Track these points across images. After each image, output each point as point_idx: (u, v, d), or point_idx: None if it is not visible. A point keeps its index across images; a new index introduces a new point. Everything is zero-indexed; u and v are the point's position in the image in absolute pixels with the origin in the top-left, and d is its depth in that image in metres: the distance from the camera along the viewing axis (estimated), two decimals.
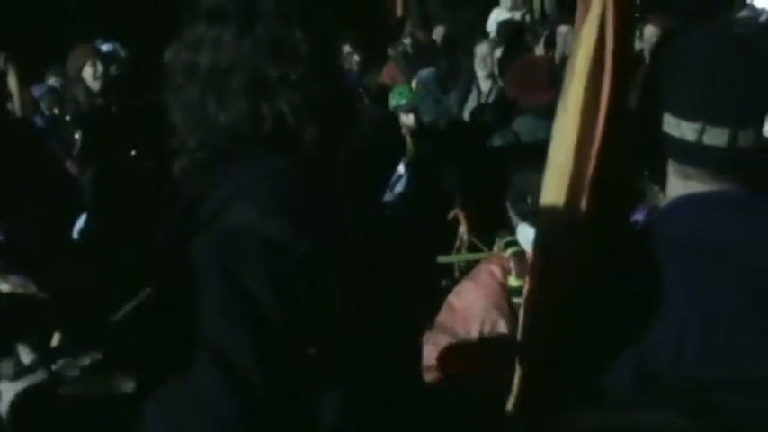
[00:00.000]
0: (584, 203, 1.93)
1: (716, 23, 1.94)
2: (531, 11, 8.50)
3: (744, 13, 6.73)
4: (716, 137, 1.73)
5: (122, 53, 6.64)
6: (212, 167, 1.72)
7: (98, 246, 3.71)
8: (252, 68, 1.68)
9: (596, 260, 1.88)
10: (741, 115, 1.71)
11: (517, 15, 8.17)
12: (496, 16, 8.15)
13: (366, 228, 1.85)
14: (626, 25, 1.91)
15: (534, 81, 5.55)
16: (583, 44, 1.88)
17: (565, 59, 6.25)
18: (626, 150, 1.96)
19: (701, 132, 1.73)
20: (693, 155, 1.77)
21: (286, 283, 1.59)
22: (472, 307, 2.97)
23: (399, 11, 8.07)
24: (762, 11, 6.60)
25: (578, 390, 1.74)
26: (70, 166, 4.71)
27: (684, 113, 1.75)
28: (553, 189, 1.97)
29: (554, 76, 5.57)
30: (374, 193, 3.17)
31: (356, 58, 7.01)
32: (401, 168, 5.04)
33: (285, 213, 1.64)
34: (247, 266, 1.58)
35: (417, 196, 4.86)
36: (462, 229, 4.61)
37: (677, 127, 1.76)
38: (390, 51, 7.37)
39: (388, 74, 7.00)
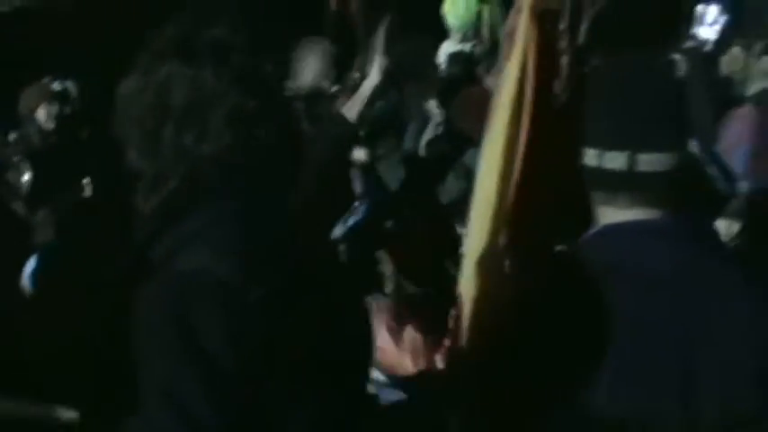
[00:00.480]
0: (509, 233, 1.99)
1: (642, 55, 2.01)
2: (481, 42, 8.58)
3: (688, 44, 6.85)
4: (613, 160, 1.80)
5: (74, 91, 6.63)
6: (170, 209, 1.71)
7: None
8: (232, 102, 1.69)
9: (525, 286, 1.92)
10: (642, 139, 1.78)
11: (467, 47, 8.25)
12: (446, 48, 8.23)
13: (317, 267, 1.86)
14: (547, 62, 1.98)
15: (482, 112, 5.56)
16: (507, 79, 1.95)
17: None
18: (552, 180, 2.01)
19: (600, 157, 1.81)
20: (596, 179, 1.85)
21: (239, 327, 1.59)
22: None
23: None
24: (705, 41, 6.72)
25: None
26: (18, 207, 4.68)
27: (589, 140, 1.83)
28: (480, 220, 2.02)
29: None
30: (324, 228, 3.19)
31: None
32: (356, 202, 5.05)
33: (238, 256, 1.64)
34: (200, 310, 1.57)
35: (369, 229, 4.89)
36: (388, 268, 4.60)
37: (589, 154, 1.84)
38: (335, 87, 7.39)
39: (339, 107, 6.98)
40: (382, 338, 3.27)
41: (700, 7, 7.32)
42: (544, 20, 1.93)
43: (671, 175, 1.80)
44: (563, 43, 1.96)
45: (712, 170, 4.11)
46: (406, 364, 3.29)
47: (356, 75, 7.81)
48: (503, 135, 1.96)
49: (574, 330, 1.83)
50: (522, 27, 1.93)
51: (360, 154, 5.40)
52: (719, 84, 7.87)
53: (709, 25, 6.86)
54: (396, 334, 3.31)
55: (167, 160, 1.71)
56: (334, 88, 5.76)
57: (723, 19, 7.03)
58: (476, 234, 2.03)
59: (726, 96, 7.96)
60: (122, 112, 1.75)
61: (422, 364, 3.29)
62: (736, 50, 9.18)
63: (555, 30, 1.97)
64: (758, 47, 8.50)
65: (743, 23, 15.08)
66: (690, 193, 1.91)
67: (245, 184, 1.72)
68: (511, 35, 1.97)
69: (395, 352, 3.30)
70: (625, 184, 1.82)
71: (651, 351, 1.80)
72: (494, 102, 2.01)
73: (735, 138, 4.63)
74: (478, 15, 8.67)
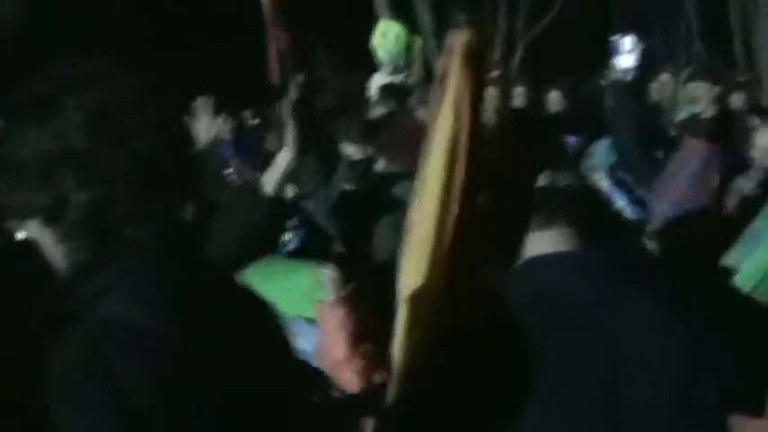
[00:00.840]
0: (445, 275, 1.96)
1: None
2: (412, 73, 8.61)
3: (610, 75, 6.97)
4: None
5: None
6: (81, 262, 1.67)
7: None
8: (119, 149, 1.64)
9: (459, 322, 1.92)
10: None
11: (398, 79, 8.27)
12: (377, 81, 8.23)
13: (240, 304, 1.82)
14: (480, 104, 1.97)
15: (414, 144, 5.55)
16: (442, 123, 1.93)
17: None
18: (486, 222, 2.01)
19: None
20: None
21: (160, 375, 1.55)
22: None
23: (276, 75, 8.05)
24: (626, 70, 6.84)
25: None
26: None
27: None
28: (415, 261, 1.99)
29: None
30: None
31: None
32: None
33: (155, 303, 1.61)
34: (121, 362, 1.53)
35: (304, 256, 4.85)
36: None
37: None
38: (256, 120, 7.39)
39: (270, 144, 6.98)
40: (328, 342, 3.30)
41: (616, 38, 7.53)
42: (476, 61, 1.93)
43: (568, 193, 1.92)
44: (495, 81, 1.97)
45: (620, 196, 4.15)
46: (347, 376, 3.30)
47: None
48: (439, 180, 1.95)
49: (503, 363, 1.86)
50: (454, 69, 1.92)
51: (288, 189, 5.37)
52: (647, 111, 8.00)
53: (626, 54, 7.02)
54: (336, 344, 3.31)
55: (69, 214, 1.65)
56: (256, 121, 5.81)
57: (639, 48, 7.21)
58: (411, 276, 2.02)
59: (655, 123, 8.10)
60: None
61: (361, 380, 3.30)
62: (665, 77, 9.36)
63: (486, 70, 2.00)
64: (685, 74, 8.67)
65: (673, 51, 15.43)
66: (594, 216, 2.02)
67: (153, 231, 1.67)
68: (443, 78, 1.95)
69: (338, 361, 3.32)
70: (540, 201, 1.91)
71: (574, 381, 1.87)
72: (428, 143, 1.99)
73: (680, 166, 4.66)
74: (409, 47, 8.71)
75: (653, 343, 1.86)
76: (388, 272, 2.99)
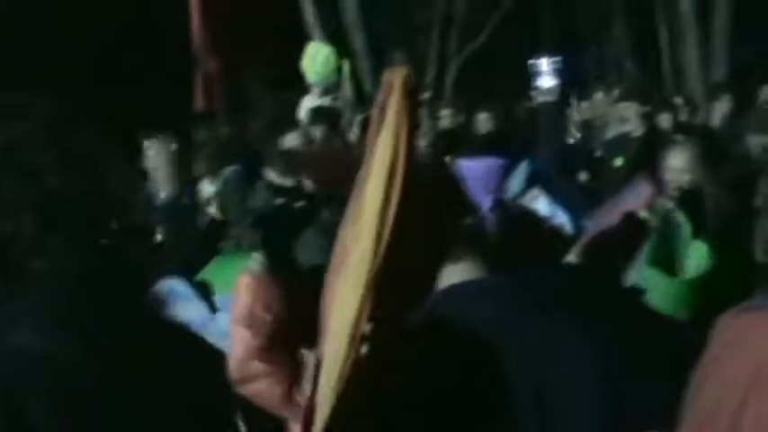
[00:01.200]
0: (378, 299, 2.02)
1: None
2: (342, 96, 8.58)
3: (534, 96, 7.07)
4: None
5: None
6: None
7: None
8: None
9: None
10: None
11: (327, 101, 8.23)
12: (307, 103, 8.19)
13: (152, 340, 1.78)
14: (414, 138, 2.09)
15: (340, 170, 5.53)
16: (380, 154, 2.04)
17: None
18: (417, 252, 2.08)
19: None
20: None
21: (73, 406, 1.53)
22: None
23: (202, 102, 7.98)
24: (549, 89, 6.94)
25: None
26: None
27: None
28: (350, 287, 2.05)
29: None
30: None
31: None
32: None
33: (72, 333, 1.59)
34: (31, 389, 1.51)
35: None
36: None
37: None
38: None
39: (197, 170, 6.90)
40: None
41: (535, 60, 7.66)
42: (413, 97, 2.08)
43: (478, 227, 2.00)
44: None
45: (558, 214, 4.17)
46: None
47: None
48: (378, 204, 2.05)
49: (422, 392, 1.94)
50: (393, 103, 2.06)
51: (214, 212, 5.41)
52: (578, 129, 8.09)
53: (546, 75, 7.16)
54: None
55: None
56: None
57: (560, 68, 7.35)
58: (345, 301, 2.09)
59: (587, 141, 8.18)
60: None
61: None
62: (598, 96, 9.49)
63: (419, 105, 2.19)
64: (616, 93, 8.79)
65: (604, 70, 15.68)
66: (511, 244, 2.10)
67: (59, 265, 1.66)
68: (382, 110, 2.08)
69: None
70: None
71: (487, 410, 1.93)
72: (364, 168, 2.11)
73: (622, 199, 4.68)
74: (339, 69, 8.69)
75: (559, 368, 1.90)
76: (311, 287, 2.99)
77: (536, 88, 7.19)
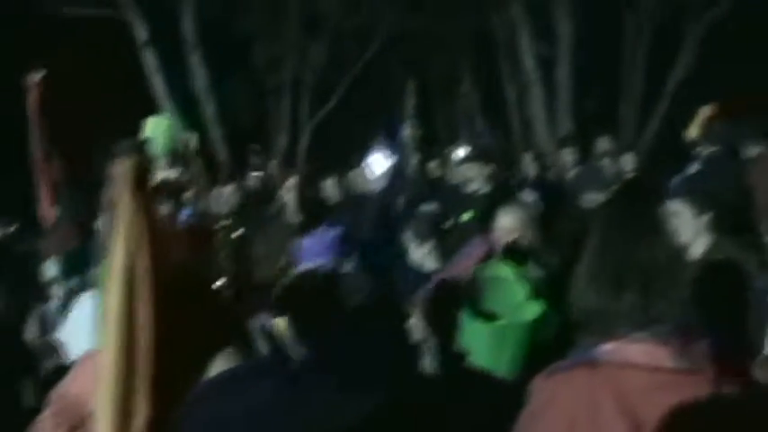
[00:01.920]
0: (141, 401, 1.99)
1: None
2: (188, 169, 8.42)
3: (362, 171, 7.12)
4: None
5: None
6: None
7: None
8: None
9: None
10: None
11: (173, 174, 8.06)
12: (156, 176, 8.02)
13: None
14: (154, 226, 2.03)
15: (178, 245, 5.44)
16: (116, 254, 1.97)
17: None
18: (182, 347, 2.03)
19: None
20: None
21: None
22: None
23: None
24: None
25: None
26: None
27: None
28: (109, 391, 1.99)
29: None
30: None
31: None
32: None
33: None
34: None
35: None
36: None
37: None
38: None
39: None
40: None
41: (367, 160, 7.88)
42: (142, 183, 2.00)
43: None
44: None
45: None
46: None
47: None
48: (119, 312, 1.99)
49: None
50: (121, 196, 1.98)
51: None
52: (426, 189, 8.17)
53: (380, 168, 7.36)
54: None
55: None
56: None
57: (390, 161, 7.56)
58: (106, 406, 2.04)
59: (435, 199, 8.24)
60: None
61: None
62: (446, 155, 9.65)
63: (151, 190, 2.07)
64: (456, 158, 8.98)
65: (454, 128, 15.84)
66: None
67: None
68: (114, 205, 2.01)
69: None
70: None
71: None
72: (105, 271, 2.04)
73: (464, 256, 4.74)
74: (183, 142, 8.53)
75: None
76: None
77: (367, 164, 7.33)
